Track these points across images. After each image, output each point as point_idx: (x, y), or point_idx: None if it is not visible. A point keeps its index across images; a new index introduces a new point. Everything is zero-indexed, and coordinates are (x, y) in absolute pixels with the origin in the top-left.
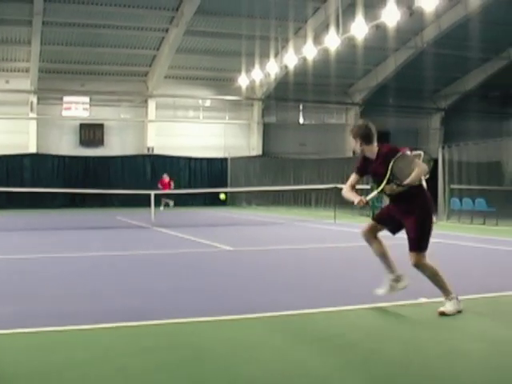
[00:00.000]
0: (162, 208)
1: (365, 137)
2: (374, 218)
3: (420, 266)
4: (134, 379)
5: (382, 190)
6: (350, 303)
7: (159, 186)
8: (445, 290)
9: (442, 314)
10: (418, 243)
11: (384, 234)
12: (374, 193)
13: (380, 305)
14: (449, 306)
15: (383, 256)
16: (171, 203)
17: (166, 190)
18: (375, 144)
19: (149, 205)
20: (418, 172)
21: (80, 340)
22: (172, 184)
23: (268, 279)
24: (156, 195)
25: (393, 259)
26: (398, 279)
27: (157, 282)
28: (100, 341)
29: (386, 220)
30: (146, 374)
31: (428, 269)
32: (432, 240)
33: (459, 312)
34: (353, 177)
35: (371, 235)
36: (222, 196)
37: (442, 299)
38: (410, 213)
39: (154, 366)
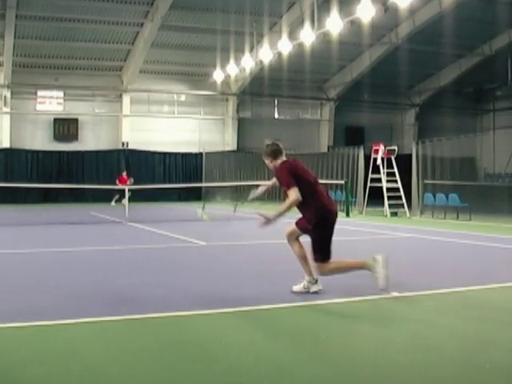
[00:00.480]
0: (113, 203)
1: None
2: (296, 223)
3: (325, 274)
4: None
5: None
6: (322, 298)
7: (117, 182)
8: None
9: (294, 292)
10: (318, 254)
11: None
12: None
13: (352, 299)
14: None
15: (302, 258)
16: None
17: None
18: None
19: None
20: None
21: (46, 335)
22: (130, 181)
23: (241, 274)
24: (114, 190)
25: (310, 263)
26: (314, 282)
27: (129, 277)
28: (67, 335)
29: (303, 227)
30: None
31: (332, 270)
32: (405, 235)
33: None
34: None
35: (292, 238)
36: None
37: (413, 293)
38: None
39: (116, 357)
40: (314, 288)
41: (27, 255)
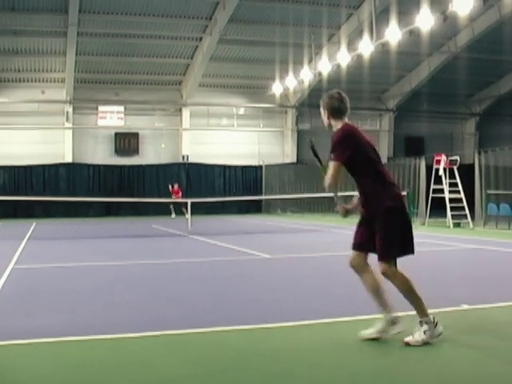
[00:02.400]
0: (173, 215)
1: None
2: (353, 245)
3: (388, 275)
4: None
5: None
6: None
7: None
8: (420, 310)
9: (407, 344)
10: (386, 250)
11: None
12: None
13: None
14: (417, 335)
15: (376, 291)
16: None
17: (178, 198)
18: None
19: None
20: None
21: (122, 347)
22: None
23: (309, 287)
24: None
25: (388, 296)
26: (394, 321)
27: (195, 290)
28: (143, 348)
29: (362, 242)
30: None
31: (399, 279)
32: (469, 246)
33: (427, 343)
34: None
35: (360, 266)
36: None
37: (484, 306)
38: (376, 214)
39: (191, 374)
40: (394, 330)
41: (91, 268)
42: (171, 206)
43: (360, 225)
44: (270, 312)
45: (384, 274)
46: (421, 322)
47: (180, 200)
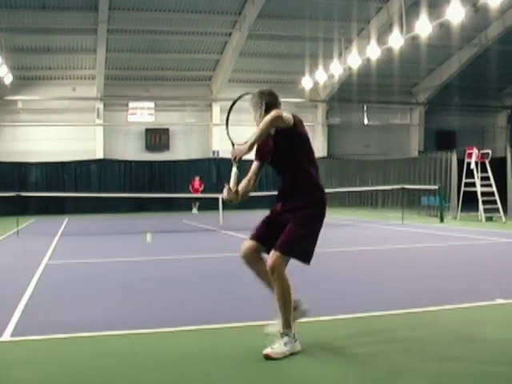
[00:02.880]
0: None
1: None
2: (255, 235)
3: (276, 270)
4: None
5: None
6: (435, 303)
7: (190, 189)
8: (287, 321)
9: (267, 357)
10: (289, 244)
11: None
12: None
13: (461, 305)
14: (277, 347)
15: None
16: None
17: (196, 193)
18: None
19: (215, 208)
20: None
21: (160, 341)
22: (202, 186)
23: (343, 281)
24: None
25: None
26: (295, 306)
27: (232, 286)
28: (183, 343)
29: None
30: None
31: (283, 281)
32: (502, 240)
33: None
34: None
35: (253, 258)
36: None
37: None
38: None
39: (236, 371)
40: (298, 314)
41: (124, 263)
42: (193, 202)
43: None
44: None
45: (273, 268)
46: (282, 334)
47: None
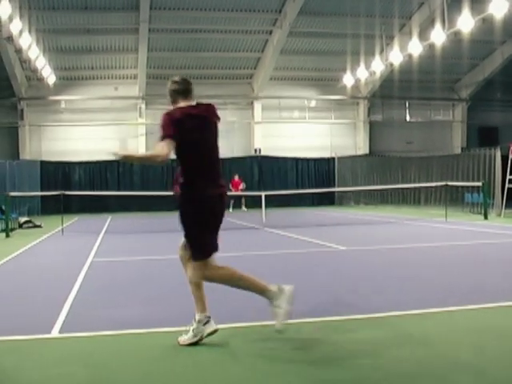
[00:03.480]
0: (230, 210)
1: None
2: None
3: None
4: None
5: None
6: (482, 301)
7: (231, 187)
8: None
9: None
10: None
11: None
12: None
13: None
14: (187, 334)
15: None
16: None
17: (236, 191)
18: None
19: (258, 206)
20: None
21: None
22: (242, 185)
23: (390, 278)
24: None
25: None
26: (206, 321)
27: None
28: (229, 340)
29: None
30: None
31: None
32: None
33: (195, 343)
34: None
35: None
36: None
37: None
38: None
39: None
40: (207, 329)
41: (168, 261)
42: (231, 201)
43: None
44: (346, 303)
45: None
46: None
47: (239, 193)
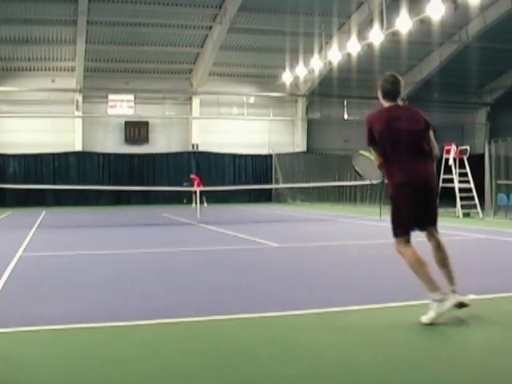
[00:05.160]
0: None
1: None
2: None
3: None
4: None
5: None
6: (393, 300)
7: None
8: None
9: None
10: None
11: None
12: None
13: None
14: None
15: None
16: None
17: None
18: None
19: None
20: None
21: (122, 336)
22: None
23: (314, 276)
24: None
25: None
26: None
27: (200, 280)
28: (142, 336)
29: None
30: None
31: (405, 257)
32: (478, 236)
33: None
34: None
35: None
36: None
37: (490, 296)
38: None
39: (197, 367)
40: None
41: (100, 257)
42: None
43: None
44: (270, 301)
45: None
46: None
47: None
